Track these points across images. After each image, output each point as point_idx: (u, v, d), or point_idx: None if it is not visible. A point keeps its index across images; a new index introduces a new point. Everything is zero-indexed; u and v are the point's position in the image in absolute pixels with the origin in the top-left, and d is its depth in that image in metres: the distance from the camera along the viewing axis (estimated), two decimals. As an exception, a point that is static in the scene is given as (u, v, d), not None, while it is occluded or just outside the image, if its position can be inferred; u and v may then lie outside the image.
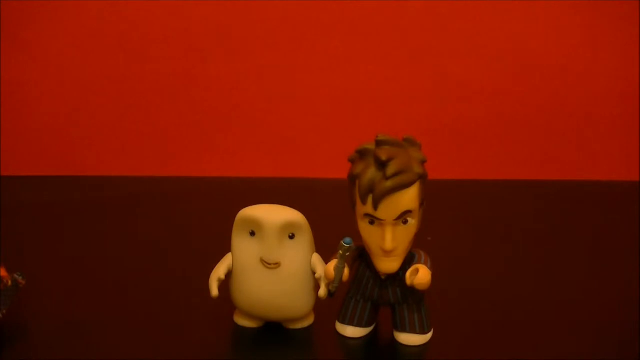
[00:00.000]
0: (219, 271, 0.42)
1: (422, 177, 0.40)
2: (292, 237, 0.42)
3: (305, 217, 0.42)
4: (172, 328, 0.44)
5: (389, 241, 0.40)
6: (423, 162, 0.40)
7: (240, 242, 0.42)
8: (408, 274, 0.40)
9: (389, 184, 0.39)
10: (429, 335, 0.43)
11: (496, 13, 0.71)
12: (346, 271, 0.41)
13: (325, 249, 0.43)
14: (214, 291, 0.42)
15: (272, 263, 0.42)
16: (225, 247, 0.43)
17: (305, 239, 0.42)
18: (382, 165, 0.39)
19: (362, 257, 0.43)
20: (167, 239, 0.58)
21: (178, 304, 0.47)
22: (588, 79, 0.72)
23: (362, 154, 0.40)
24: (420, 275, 0.40)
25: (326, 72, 0.72)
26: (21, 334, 0.43)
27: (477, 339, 0.44)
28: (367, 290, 0.43)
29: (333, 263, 0.41)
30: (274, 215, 0.41)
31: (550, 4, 0.70)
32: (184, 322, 0.45)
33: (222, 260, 0.43)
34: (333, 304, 0.44)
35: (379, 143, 0.39)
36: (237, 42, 0.71)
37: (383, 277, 0.42)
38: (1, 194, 0.66)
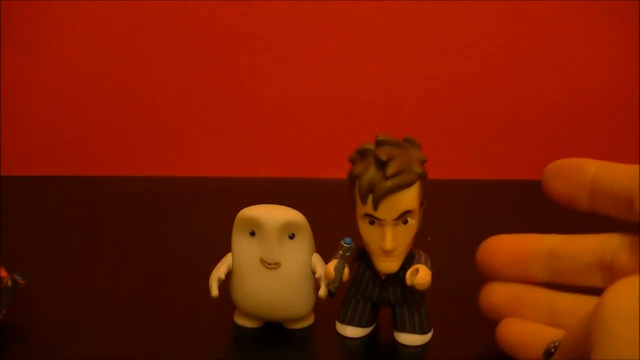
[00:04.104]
0: (219, 271, 0.42)
1: (422, 177, 0.40)
2: (292, 237, 0.42)
3: (305, 217, 0.42)
4: (172, 328, 0.44)
5: (389, 241, 0.40)
6: (423, 162, 0.40)
7: (240, 242, 0.42)
8: (408, 274, 0.40)
9: (389, 184, 0.39)
10: (429, 335, 0.43)
11: (496, 13, 0.71)
12: (346, 271, 0.41)
13: (325, 249, 0.43)
14: (214, 291, 0.42)
15: (272, 263, 0.42)
16: (225, 247, 0.43)
17: (305, 239, 0.42)
18: (382, 165, 0.39)
19: (362, 257, 0.43)
20: (166, 239, 0.58)
21: (178, 303, 0.47)
22: (588, 79, 0.72)
23: (362, 154, 0.40)
24: (420, 275, 0.40)
25: (326, 72, 0.72)
26: (21, 334, 0.43)
27: (477, 339, 0.44)
28: (367, 290, 0.43)
29: (333, 263, 0.41)
30: (274, 215, 0.41)
31: (551, 4, 0.70)
32: (184, 322, 0.45)
33: (222, 260, 0.43)
34: (333, 304, 0.44)
35: (379, 143, 0.39)
36: (237, 42, 0.71)
37: (383, 277, 0.42)
38: (1, 194, 0.66)
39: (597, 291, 0.36)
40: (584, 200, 0.39)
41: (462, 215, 0.64)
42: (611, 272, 0.40)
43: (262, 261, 0.42)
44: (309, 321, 0.45)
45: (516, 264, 0.42)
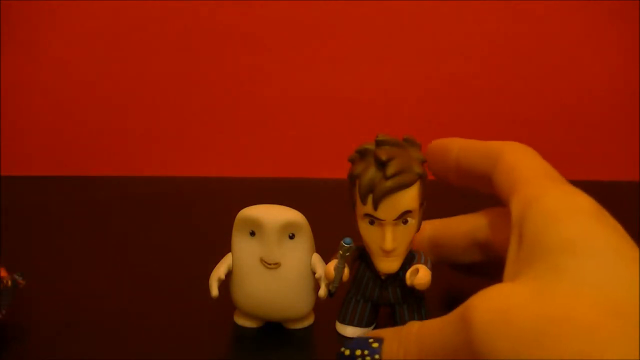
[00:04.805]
0: (219, 271, 0.42)
1: (422, 177, 0.40)
2: (292, 237, 0.42)
3: (305, 217, 0.42)
4: (171, 328, 0.44)
5: (389, 241, 0.40)
6: (423, 162, 0.40)
7: (240, 242, 0.42)
8: (408, 274, 0.40)
9: (389, 184, 0.39)
10: (429, 335, 0.43)
11: (496, 13, 0.71)
12: (346, 271, 0.41)
13: (325, 249, 0.43)
14: (214, 291, 0.42)
15: (272, 263, 0.42)
16: (225, 247, 0.43)
17: (305, 239, 0.42)
18: (382, 165, 0.39)
19: (362, 257, 0.43)
20: (166, 239, 0.58)
21: (178, 303, 0.47)
22: (588, 79, 0.72)
23: (362, 154, 0.40)
24: (420, 275, 0.40)
25: (326, 72, 0.72)
26: (21, 334, 0.43)
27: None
28: (367, 290, 0.43)
29: (333, 263, 0.41)
30: (274, 215, 0.41)
31: (551, 4, 0.70)
32: (184, 322, 0.45)
33: (222, 260, 0.43)
34: (333, 304, 0.44)
35: (379, 143, 0.39)
36: (237, 42, 0.71)
37: (383, 277, 0.42)
38: (1, 194, 0.66)
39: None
40: (453, 178, 0.43)
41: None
42: (488, 249, 0.42)
43: (262, 261, 0.42)
44: (309, 321, 0.45)
45: None
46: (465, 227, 0.44)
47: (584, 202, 0.33)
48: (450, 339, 0.31)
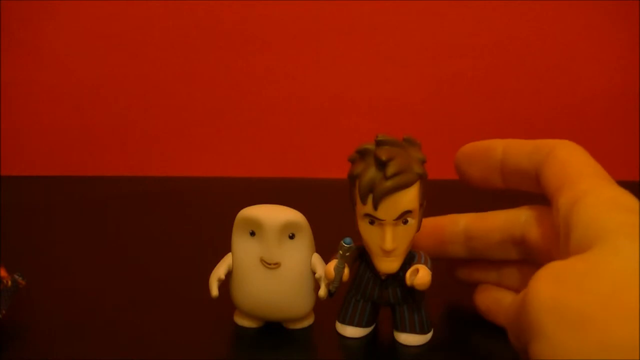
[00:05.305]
0: (219, 271, 0.42)
1: (422, 177, 0.40)
2: (292, 237, 0.42)
3: (305, 217, 0.42)
4: (172, 328, 0.44)
5: (389, 241, 0.40)
6: (423, 162, 0.40)
7: (240, 242, 0.42)
8: (408, 274, 0.40)
9: (389, 184, 0.39)
10: (429, 335, 0.43)
11: (496, 13, 0.71)
12: (346, 271, 0.41)
13: (325, 249, 0.43)
14: (214, 291, 0.42)
15: (272, 263, 0.42)
16: (225, 247, 0.43)
17: (305, 239, 0.42)
18: (382, 165, 0.39)
19: (362, 257, 0.43)
20: (166, 239, 0.58)
21: (178, 304, 0.47)
22: (588, 78, 0.72)
23: (362, 154, 0.40)
24: (420, 276, 0.40)
25: (326, 71, 0.72)
26: (21, 334, 0.43)
27: (476, 339, 0.44)
28: (367, 290, 0.43)
29: (333, 263, 0.41)
30: (274, 215, 0.41)
31: (551, 4, 0.70)
32: (184, 322, 0.45)
33: (222, 260, 0.43)
34: (333, 304, 0.44)
35: (379, 143, 0.39)
36: (237, 42, 0.71)
37: (383, 277, 0.42)
38: (1, 194, 0.66)
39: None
40: (497, 180, 0.42)
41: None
42: (524, 246, 0.42)
43: (262, 261, 0.42)
44: (309, 321, 0.45)
45: (434, 247, 0.44)
46: (501, 222, 0.43)
47: (634, 201, 0.32)
48: (516, 306, 0.31)
